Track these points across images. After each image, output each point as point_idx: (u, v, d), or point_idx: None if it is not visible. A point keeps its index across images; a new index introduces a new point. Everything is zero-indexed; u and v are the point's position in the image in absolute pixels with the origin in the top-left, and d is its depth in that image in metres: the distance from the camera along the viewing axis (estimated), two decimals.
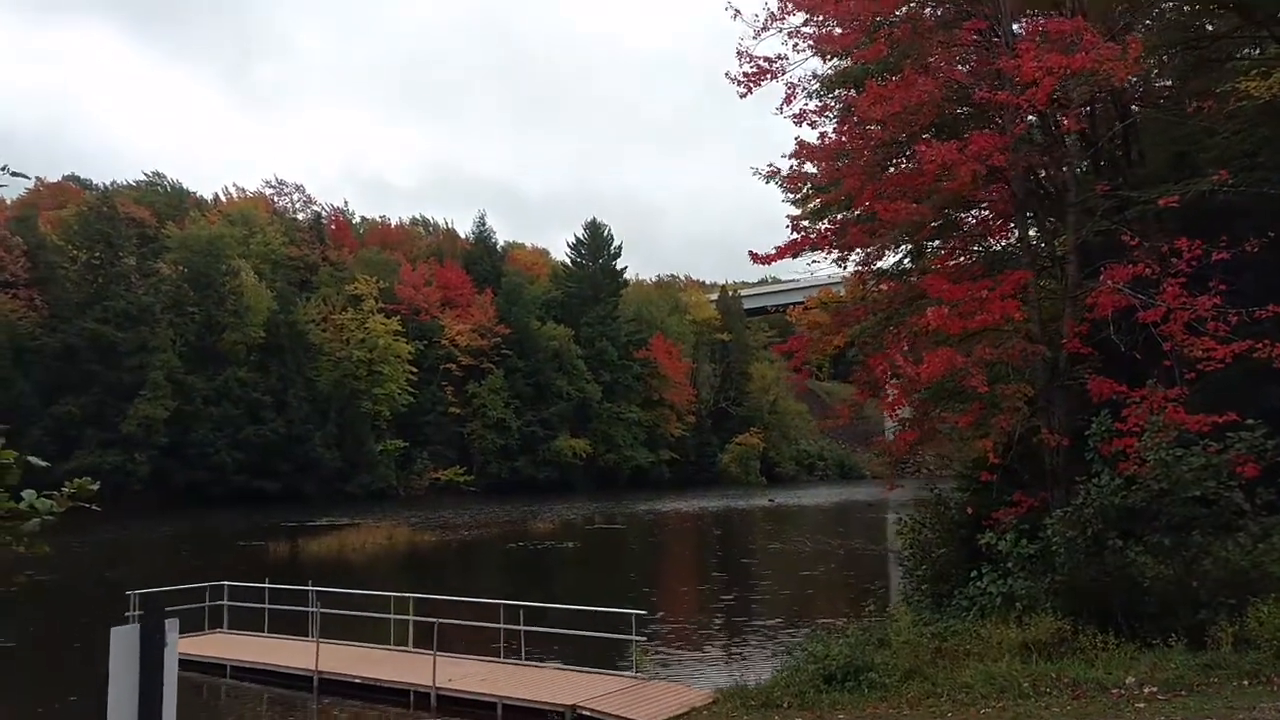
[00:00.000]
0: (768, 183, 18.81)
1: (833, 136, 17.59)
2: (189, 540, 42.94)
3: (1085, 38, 13.92)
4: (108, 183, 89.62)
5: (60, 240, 68.49)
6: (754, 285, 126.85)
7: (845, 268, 19.29)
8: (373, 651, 16.22)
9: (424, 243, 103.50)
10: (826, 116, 18.25)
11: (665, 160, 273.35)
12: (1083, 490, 12.70)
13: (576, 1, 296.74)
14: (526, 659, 15.61)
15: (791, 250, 17.40)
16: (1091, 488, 12.56)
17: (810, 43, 17.05)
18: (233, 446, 67.61)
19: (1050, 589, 12.81)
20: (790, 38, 16.91)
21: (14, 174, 4.48)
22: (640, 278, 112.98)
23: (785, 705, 11.45)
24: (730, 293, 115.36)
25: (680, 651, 18.10)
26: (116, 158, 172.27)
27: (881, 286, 19.38)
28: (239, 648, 16.99)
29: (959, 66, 16.62)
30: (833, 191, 17.92)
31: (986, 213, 18.05)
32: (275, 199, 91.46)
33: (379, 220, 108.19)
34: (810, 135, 17.87)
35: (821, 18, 16.82)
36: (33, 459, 4.46)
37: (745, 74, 16.90)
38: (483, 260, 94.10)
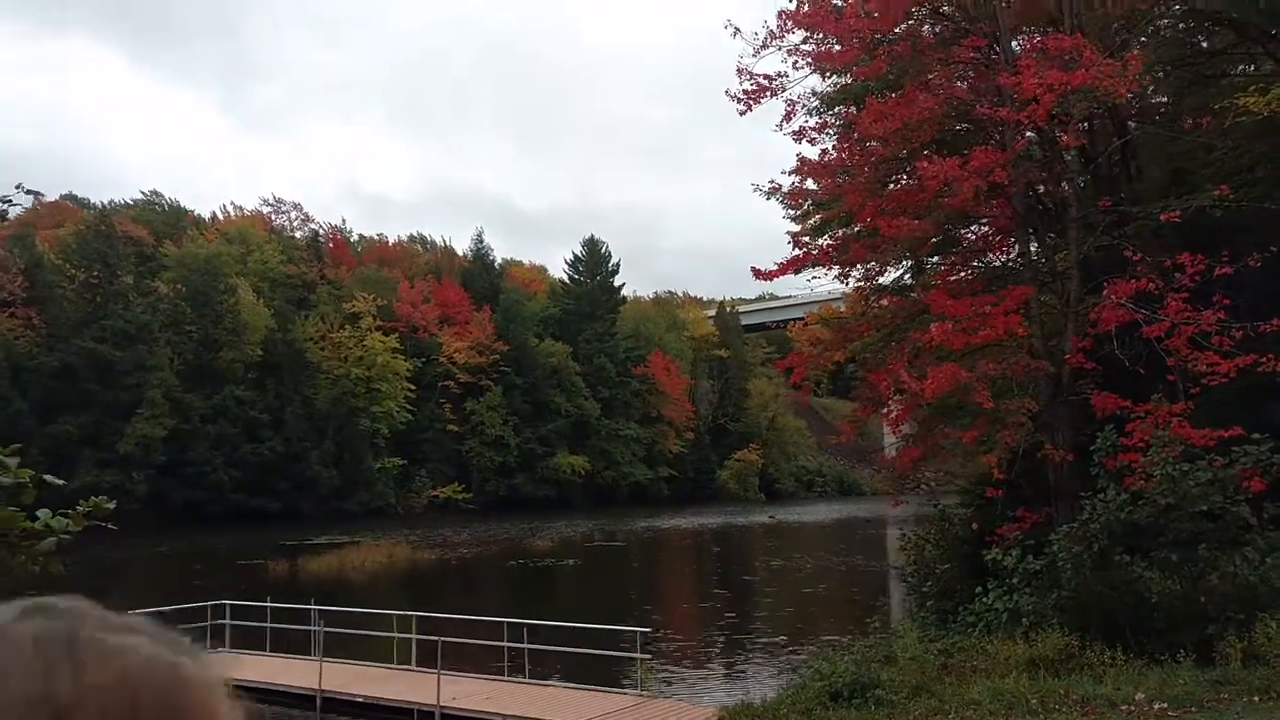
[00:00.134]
0: (768, 199, 18.91)
1: (833, 153, 17.68)
2: (187, 559, 42.70)
3: (1085, 54, 14.02)
4: (105, 201, 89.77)
5: (58, 259, 68.38)
6: (752, 301, 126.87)
7: (847, 283, 19.36)
8: (376, 670, 16.10)
9: (422, 260, 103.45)
10: (827, 133, 18.39)
11: (663, 176, 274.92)
12: (1088, 505, 12.68)
13: (574, 18, 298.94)
14: (530, 677, 15.51)
15: (794, 266, 17.47)
16: (1097, 503, 12.54)
17: (810, 60, 17.17)
18: (230, 465, 67.32)
19: (1056, 605, 12.77)
20: (790, 55, 17.05)
21: (29, 191, 4.50)
22: (638, 294, 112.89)
23: None
24: (728, 309, 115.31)
25: (684, 669, 18.00)
26: (114, 176, 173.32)
27: (883, 302, 19.44)
28: (241, 667, 16.85)
29: (958, 83, 16.72)
30: (834, 208, 18.00)
31: (987, 228, 18.12)
32: (273, 217, 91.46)
33: (377, 238, 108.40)
34: (810, 152, 17.98)
35: (821, 35, 16.93)
36: (48, 477, 4.46)
37: (745, 91, 17.01)
38: (481, 277, 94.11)
